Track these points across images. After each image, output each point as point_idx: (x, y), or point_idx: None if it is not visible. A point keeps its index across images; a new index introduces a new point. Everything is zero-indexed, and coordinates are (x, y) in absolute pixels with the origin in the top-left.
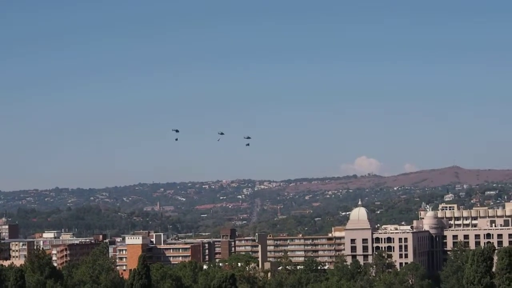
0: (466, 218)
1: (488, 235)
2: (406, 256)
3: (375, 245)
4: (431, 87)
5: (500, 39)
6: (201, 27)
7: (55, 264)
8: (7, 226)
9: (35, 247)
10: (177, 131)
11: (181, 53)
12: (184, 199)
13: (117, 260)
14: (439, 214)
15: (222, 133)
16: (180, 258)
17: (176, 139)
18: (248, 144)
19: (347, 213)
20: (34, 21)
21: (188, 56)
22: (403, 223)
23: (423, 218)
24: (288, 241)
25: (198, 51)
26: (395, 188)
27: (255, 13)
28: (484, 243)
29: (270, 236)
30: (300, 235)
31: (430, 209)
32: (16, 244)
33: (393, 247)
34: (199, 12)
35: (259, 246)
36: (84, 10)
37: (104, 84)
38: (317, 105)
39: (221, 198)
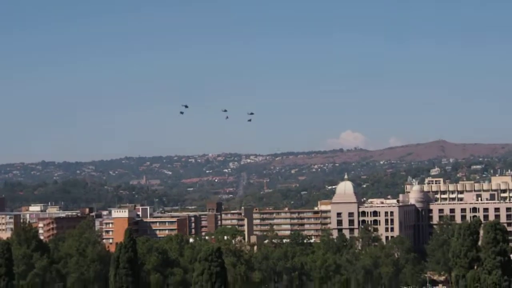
0: (452, 192)
1: (474, 209)
2: (392, 229)
3: (361, 218)
4: (416, 60)
5: (481, 14)
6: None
7: (41, 237)
8: None
9: (21, 220)
10: (186, 106)
11: (162, 26)
12: (170, 173)
13: (104, 234)
14: (425, 188)
15: (225, 110)
16: (166, 231)
17: (182, 113)
18: (250, 120)
19: (333, 187)
20: None
21: (171, 30)
22: (389, 197)
23: (409, 192)
24: (274, 215)
25: (183, 27)
26: (381, 162)
27: None
28: (470, 217)
29: (256, 209)
30: (286, 209)
31: (416, 183)
32: (3, 217)
33: (379, 220)
34: None
35: (245, 219)
36: None
37: (91, 58)
38: (302, 79)
39: (207, 171)
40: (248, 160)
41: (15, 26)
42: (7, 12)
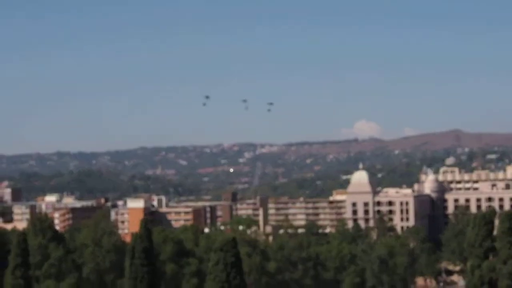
0: (467, 182)
1: (489, 199)
2: (407, 219)
3: (376, 208)
4: (431, 50)
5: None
6: None
7: (57, 228)
8: (9, 190)
9: (37, 211)
10: (207, 97)
11: (183, 16)
12: (185, 163)
13: (119, 224)
14: (440, 178)
15: (245, 101)
16: (182, 221)
17: (204, 104)
18: (269, 110)
19: (348, 176)
20: None
21: (188, 19)
22: (404, 186)
23: (424, 182)
24: (289, 205)
25: (198, 15)
26: (396, 152)
27: None
28: (485, 206)
29: (271, 199)
30: (301, 199)
31: (432, 172)
32: (19, 208)
33: (394, 210)
34: None
35: (260, 209)
36: None
37: (107, 45)
38: (317, 68)
39: (222, 161)
40: (263, 150)
41: (29, 9)
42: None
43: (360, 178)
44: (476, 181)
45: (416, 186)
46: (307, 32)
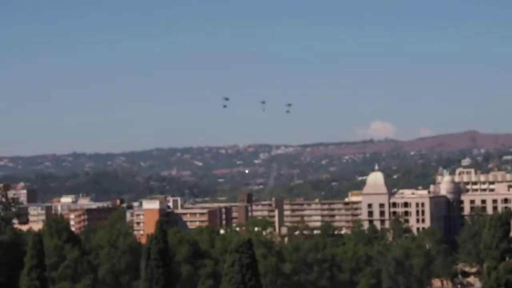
0: (484, 183)
1: (506, 200)
2: (423, 221)
3: (392, 210)
4: (446, 50)
5: None
6: None
7: (73, 229)
8: (25, 191)
9: (53, 212)
10: (227, 99)
11: (201, 15)
12: (201, 164)
13: (135, 225)
14: (456, 179)
15: (264, 102)
16: (197, 223)
17: (225, 106)
18: (288, 111)
19: (364, 177)
20: None
21: (203, 16)
22: (420, 187)
23: (440, 183)
24: (305, 206)
25: (215, 15)
26: (411, 153)
27: None
28: (502, 208)
29: (286, 201)
30: (317, 200)
31: (447, 173)
32: (35, 209)
33: (410, 212)
34: None
35: (276, 211)
36: None
37: (122, 45)
38: (331, 69)
39: (237, 162)
40: (279, 151)
41: (45, 7)
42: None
43: (375, 179)
44: (492, 182)
45: (432, 187)
46: (323, 32)
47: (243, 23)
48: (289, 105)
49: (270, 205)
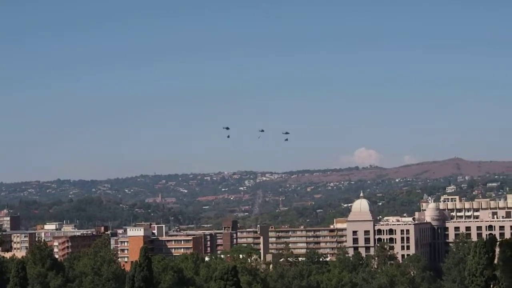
0: (468, 210)
1: (490, 227)
2: (408, 248)
3: (377, 237)
4: (431, 77)
5: (500, 29)
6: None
7: (56, 256)
8: (9, 218)
9: (36, 239)
10: (227, 128)
11: (181, 43)
12: (186, 191)
13: (119, 252)
14: (441, 206)
15: (262, 130)
16: (182, 250)
17: (228, 136)
18: (286, 139)
19: (349, 204)
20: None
21: (189, 46)
22: (405, 214)
23: (425, 210)
24: (290, 233)
25: (197, 42)
26: (396, 180)
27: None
28: (486, 235)
29: (271, 228)
30: (302, 227)
31: (432, 201)
32: (18, 236)
33: (395, 239)
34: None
35: (261, 238)
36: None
37: (104, 75)
38: (316, 96)
39: (223, 189)
40: (264, 178)
41: (27, 41)
42: (23, 29)
43: (361, 206)
44: (476, 209)
45: (416, 214)
46: (307, 58)
47: (226, 54)
48: (287, 133)
49: (255, 232)
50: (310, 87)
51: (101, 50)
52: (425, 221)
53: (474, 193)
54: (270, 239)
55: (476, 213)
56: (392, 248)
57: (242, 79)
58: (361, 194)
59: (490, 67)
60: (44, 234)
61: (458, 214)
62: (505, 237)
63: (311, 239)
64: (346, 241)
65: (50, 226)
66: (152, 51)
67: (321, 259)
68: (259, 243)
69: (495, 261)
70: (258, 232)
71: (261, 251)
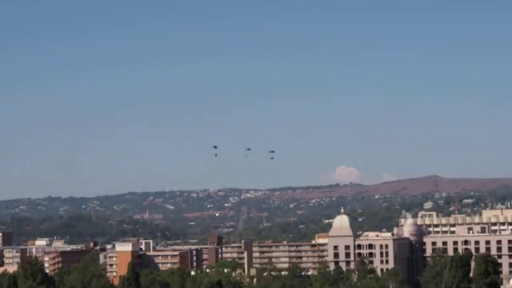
0: (445, 225)
1: (466, 242)
2: (387, 262)
3: (357, 251)
4: (407, 97)
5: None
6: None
7: (47, 271)
8: (0, 234)
9: (28, 254)
10: (215, 147)
11: (168, 50)
12: (172, 207)
13: (108, 267)
14: (419, 222)
15: (249, 149)
16: (169, 264)
17: (216, 155)
18: (272, 158)
19: (330, 220)
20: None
21: (175, 54)
22: (384, 230)
23: (403, 226)
24: (273, 248)
25: (182, 49)
26: (376, 197)
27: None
28: (462, 249)
29: (255, 243)
30: (285, 242)
31: (410, 216)
32: (9, 251)
33: (375, 253)
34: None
35: (245, 252)
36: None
37: (94, 88)
38: (299, 115)
39: (208, 206)
40: (248, 195)
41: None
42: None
43: (341, 222)
44: (453, 225)
45: (395, 230)
46: (288, 73)
47: (206, 63)
48: (272, 151)
49: (239, 247)
50: (292, 106)
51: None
52: (404, 236)
53: (450, 209)
54: (254, 254)
55: (452, 229)
56: (371, 262)
57: (230, 94)
58: (342, 210)
59: (459, 95)
60: (35, 249)
61: (435, 229)
62: (480, 252)
63: (294, 253)
64: (327, 255)
65: (41, 242)
66: (138, 58)
67: (303, 273)
68: (243, 258)
69: (471, 275)
70: (242, 247)
71: (245, 265)
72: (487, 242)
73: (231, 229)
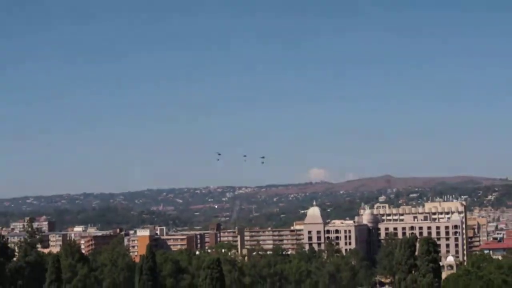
0: (395, 215)
1: (412, 228)
2: (350, 243)
3: (326, 235)
4: (366, 110)
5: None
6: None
7: (83, 251)
8: (46, 223)
9: (68, 238)
10: (219, 154)
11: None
12: (181, 201)
13: (130, 248)
14: (375, 212)
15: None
16: (178, 246)
17: (218, 160)
18: (263, 162)
19: (305, 211)
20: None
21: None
22: (347, 218)
23: (362, 215)
24: (260, 233)
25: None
26: (341, 192)
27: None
28: (409, 233)
29: (246, 229)
30: (270, 228)
31: (368, 208)
32: (53, 236)
33: (340, 237)
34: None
35: (238, 237)
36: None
37: (114, 96)
38: (279, 126)
39: (209, 200)
40: (241, 191)
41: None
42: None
43: (314, 212)
44: (402, 214)
45: (356, 218)
46: (270, 83)
47: (196, 80)
48: (263, 157)
49: (234, 232)
50: (277, 118)
51: (102, 67)
52: (363, 223)
53: (400, 202)
54: (245, 238)
55: (401, 217)
56: (338, 244)
57: (220, 104)
58: (314, 203)
59: (409, 105)
60: (74, 234)
61: (388, 218)
62: (423, 235)
63: (277, 237)
64: (303, 239)
65: (78, 229)
66: (141, 69)
67: (284, 253)
68: (237, 241)
69: (416, 253)
70: (236, 233)
71: (239, 247)
72: (429, 228)
73: (227, 218)
